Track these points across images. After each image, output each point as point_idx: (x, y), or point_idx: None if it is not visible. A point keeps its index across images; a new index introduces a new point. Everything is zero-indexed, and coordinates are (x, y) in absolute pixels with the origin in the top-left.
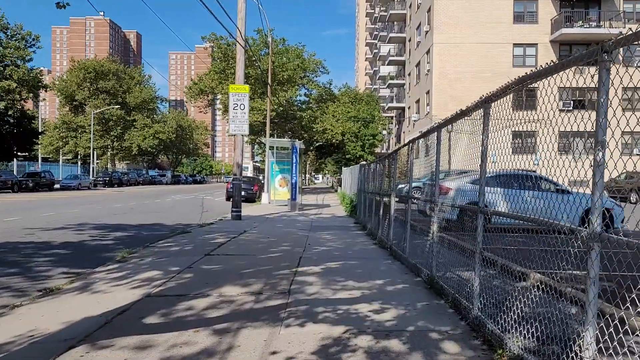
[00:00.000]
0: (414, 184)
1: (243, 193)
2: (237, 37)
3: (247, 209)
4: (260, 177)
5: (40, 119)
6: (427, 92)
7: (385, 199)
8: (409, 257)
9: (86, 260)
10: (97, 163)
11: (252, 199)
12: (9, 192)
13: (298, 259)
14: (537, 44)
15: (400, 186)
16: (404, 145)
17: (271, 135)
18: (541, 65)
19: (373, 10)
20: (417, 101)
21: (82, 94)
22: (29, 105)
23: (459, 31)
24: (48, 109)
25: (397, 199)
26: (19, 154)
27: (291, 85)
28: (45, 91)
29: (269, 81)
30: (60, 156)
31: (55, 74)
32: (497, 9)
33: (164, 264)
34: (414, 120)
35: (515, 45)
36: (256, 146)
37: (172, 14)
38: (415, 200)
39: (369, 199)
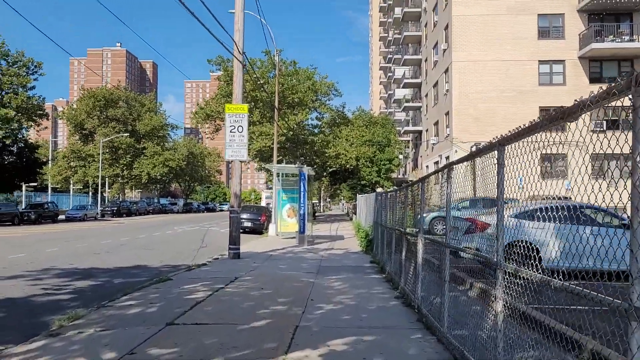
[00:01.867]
0: (436, 214)
1: (249, 224)
2: (233, 52)
3: (250, 244)
4: (271, 206)
5: (50, 148)
6: (447, 114)
7: (410, 238)
8: (448, 333)
9: (14, 329)
10: (108, 192)
11: (259, 230)
12: (9, 225)
13: (292, 331)
14: (564, 60)
15: (432, 216)
16: (439, 170)
17: (282, 161)
18: (561, 107)
19: (387, 34)
20: (436, 123)
21: (92, 122)
22: (40, 134)
23: (480, 48)
24: (64, 138)
25: (425, 239)
26: (22, 184)
27: (302, 108)
28: (47, 119)
29: (276, 103)
30: (71, 186)
31: (72, 104)
32: (520, 24)
33: (102, 344)
34: (433, 144)
35: (540, 62)
36: (266, 174)
37: (187, 43)
38: (463, 255)
39: (387, 234)
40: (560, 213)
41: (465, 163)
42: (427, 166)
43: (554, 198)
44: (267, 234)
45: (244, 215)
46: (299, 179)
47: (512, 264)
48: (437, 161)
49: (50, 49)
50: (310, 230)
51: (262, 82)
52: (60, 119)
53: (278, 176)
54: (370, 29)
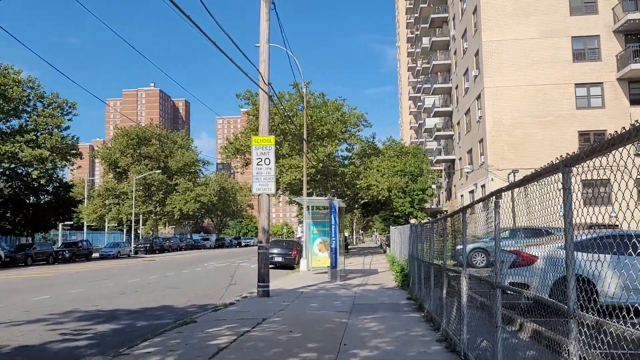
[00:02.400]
0: (474, 245)
1: (280, 259)
2: (259, 83)
3: (280, 280)
4: (302, 240)
5: (86, 187)
6: (480, 141)
7: (451, 274)
8: None
9: None
10: (142, 229)
11: (290, 265)
12: (44, 263)
13: None
14: (602, 82)
15: (471, 248)
16: (486, 197)
17: (312, 194)
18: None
19: (415, 64)
20: (469, 151)
21: (125, 160)
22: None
23: (512, 73)
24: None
25: (469, 277)
26: (58, 223)
27: (331, 139)
28: (81, 158)
29: (304, 135)
30: (106, 223)
31: (106, 143)
32: (553, 48)
33: None
34: (467, 172)
35: (577, 85)
36: (297, 207)
37: (218, 79)
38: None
39: (424, 269)
40: (616, 241)
41: (516, 190)
42: (461, 195)
43: (601, 226)
44: (298, 269)
45: (275, 250)
46: (330, 212)
47: (590, 312)
48: (472, 190)
49: (86, 92)
50: (342, 264)
51: (290, 114)
52: (95, 157)
53: (308, 209)
54: (398, 59)
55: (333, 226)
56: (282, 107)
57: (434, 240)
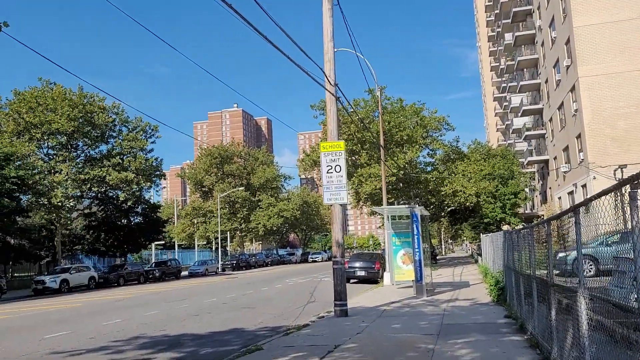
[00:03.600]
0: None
1: (362, 273)
2: (324, 85)
3: (362, 296)
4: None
5: (175, 207)
6: (578, 136)
7: (563, 292)
8: None
9: None
10: (230, 246)
11: (374, 279)
12: (136, 283)
13: None
14: None
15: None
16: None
17: (394, 203)
18: None
19: (498, 63)
20: (565, 149)
21: (210, 179)
22: (166, 195)
23: (609, 59)
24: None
25: (591, 296)
26: (147, 243)
27: (411, 145)
28: (165, 179)
29: (381, 141)
30: (195, 242)
31: (192, 164)
32: None
33: None
34: (564, 172)
35: None
36: (381, 218)
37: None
38: None
39: (524, 282)
40: None
41: None
42: (559, 198)
43: None
44: (382, 283)
45: (357, 264)
46: (411, 221)
47: None
48: (571, 191)
49: (177, 117)
50: (430, 277)
51: (367, 122)
52: (182, 177)
53: (388, 219)
54: (479, 60)
55: (416, 236)
56: (357, 115)
57: (534, 249)
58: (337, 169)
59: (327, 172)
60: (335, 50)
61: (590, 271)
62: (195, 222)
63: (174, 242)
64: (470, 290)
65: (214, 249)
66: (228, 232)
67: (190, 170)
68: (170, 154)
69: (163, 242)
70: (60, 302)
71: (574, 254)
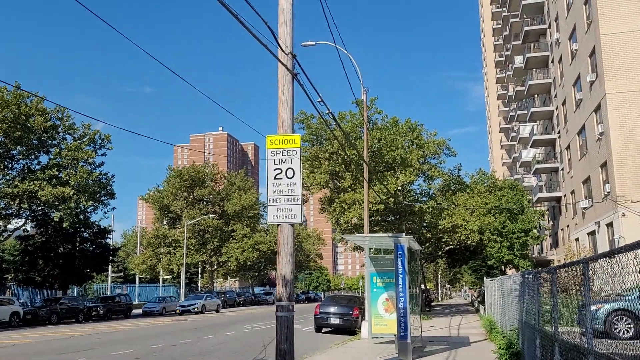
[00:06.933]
0: (617, 305)
1: (337, 320)
2: (277, 54)
3: (327, 354)
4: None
5: (139, 234)
6: (603, 165)
7: None
8: None
9: None
10: (200, 280)
11: (350, 329)
12: (72, 322)
13: None
14: None
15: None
16: None
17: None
18: None
19: (505, 91)
20: (586, 181)
21: (178, 204)
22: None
23: None
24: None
25: None
26: (93, 275)
27: (404, 168)
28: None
29: (365, 156)
30: (160, 275)
31: (157, 186)
32: None
33: None
34: (584, 208)
35: None
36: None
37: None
38: None
39: (559, 351)
40: None
41: None
42: (576, 239)
43: None
44: (359, 335)
45: (331, 309)
46: (395, 255)
47: None
48: (593, 231)
49: (155, 140)
50: (419, 329)
51: (353, 138)
52: (145, 201)
53: (369, 252)
54: (485, 88)
55: (400, 275)
56: (336, 129)
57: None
58: (289, 173)
59: (275, 178)
60: (313, 42)
61: (628, 332)
62: (159, 252)
63: (134, 275)
64: (471, 351)
65: (184, 284)
66: (193, 266)
67: (156, 193)
68: (148, 180)
69: (121, 274)
70: None
71: (605, 307)
